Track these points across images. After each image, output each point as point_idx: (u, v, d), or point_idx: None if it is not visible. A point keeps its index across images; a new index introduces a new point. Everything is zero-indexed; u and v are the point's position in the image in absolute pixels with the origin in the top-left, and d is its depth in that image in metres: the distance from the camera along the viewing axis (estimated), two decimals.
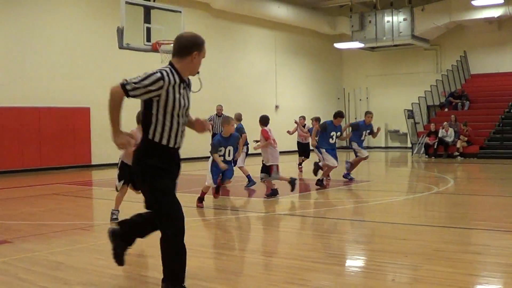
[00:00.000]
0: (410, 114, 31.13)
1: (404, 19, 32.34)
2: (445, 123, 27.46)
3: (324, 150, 15.19)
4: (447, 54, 35.08)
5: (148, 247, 7.70)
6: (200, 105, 27.37)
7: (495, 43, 33.68)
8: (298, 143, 20.30)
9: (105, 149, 23.31)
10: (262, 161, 12.94)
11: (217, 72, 28.87)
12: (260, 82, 32.19)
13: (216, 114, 19.05)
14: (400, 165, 26.52)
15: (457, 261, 6.95)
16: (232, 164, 12.60)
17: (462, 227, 8.69)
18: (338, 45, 35.34)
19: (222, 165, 11.29)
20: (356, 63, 38.37)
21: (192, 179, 17.11)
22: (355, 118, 37.58)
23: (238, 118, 16.29)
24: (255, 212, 11.30)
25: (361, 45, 33.92)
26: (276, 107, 31.71)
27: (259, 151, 13.18)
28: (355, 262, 7.39)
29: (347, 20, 34.14)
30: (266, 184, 12.96)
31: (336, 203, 13.08)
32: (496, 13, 31.05)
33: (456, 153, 26.31)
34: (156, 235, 5.37)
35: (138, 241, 5.93)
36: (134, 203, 8.59)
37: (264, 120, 13.35)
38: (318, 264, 6.91)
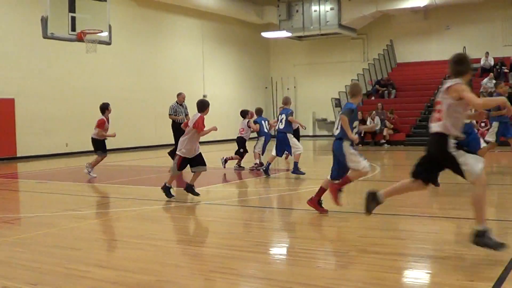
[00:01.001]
0: (337, 103, 31.42)
1: (331, 9, 32.61)
2: (373, 112, 27.81)
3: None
4: (374, 43, 35.54)
5: (76, 240, 7.51)
6: (131, 95, 27.35)
7: (421, 32, 34.27)
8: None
9: (31, 141, 22.78)
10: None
11: (145, 62, 28.60)
12: (188, 72, 31.93)
13: (177, 102, 18.70)
14: (327, 153, 26.51)
15: (382, 246, 6.99)
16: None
17: (387, 214, 8.72)
18: (266, 34, 35.37)
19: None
20: (284, 52, 38.47)
21: (124, 170, 16.87)
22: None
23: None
24: (182, 202, 11.14)
25: (289, 34, 34.03)
26: (204, 96, 31.47)
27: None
28: (281, 250, 7.35)
29: (275, 9, 34.20)
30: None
31: (263, 192, 13.05)
32: (422, 2, 31.58)
33: (383, 141, 26.68)
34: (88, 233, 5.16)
35: (68, 235, 5.72)
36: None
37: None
38: (244, 253, 6.85)
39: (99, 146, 15.88)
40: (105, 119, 15.71)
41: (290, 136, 14.85)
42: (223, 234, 8.26)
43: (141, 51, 28.49)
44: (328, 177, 9.22)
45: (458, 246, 6.94)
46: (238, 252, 6.88)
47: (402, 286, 5.51)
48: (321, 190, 9.23)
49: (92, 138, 15.95)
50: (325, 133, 36.48)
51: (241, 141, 17.50)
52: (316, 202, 9.21)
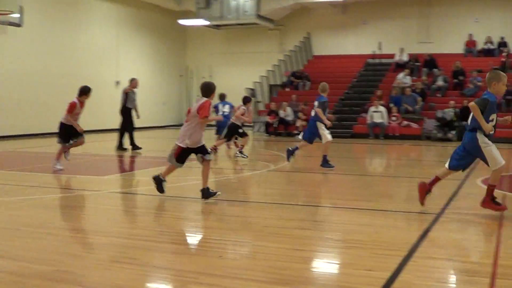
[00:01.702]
0: (252, 93, 31.43)
1: None
2: (284, 103, 27.94)
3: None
4: (291, 35, 35.62)
5: None
6: (41, 79, 26.58)
7: (338, 26, 34.57)
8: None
9: None
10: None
11: (58, 46, 27.77)
12: (101, 57, 31.16)
13: (131, 87, 18.45)
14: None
15: (285, 236, 6.96)
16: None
17: (294, 204, 8.74)
18: (183, 22, 35.04)
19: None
20: (201, 41, 38.16)
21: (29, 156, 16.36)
22: (197, 96, 37.51)
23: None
24: (87, 190, 10.87)
25: (206, 22, 33.82)
26: (117, 83, 30.88)
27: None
28: (184, 240, 7.25)
29: None
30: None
31: (172, 180, 12.86)
32: None
33: (296, 132, 26.84)
34: None
35: None
36: None
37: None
38: (148, 242, 6.69)
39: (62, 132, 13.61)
40: (76, 102, 13.59)
41: (320, 125, 14.07)
42: (126, 223, 8.09)
43: (54, 35, 27.68)
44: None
45: (362, 236, 6.98)
46: (141, 242, 6.71)
47: (302, 275, 5.47)
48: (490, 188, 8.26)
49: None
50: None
51: (234, 127, 17.24)
52: (490, 201, 8.21)
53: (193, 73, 38.36)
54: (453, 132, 24.81)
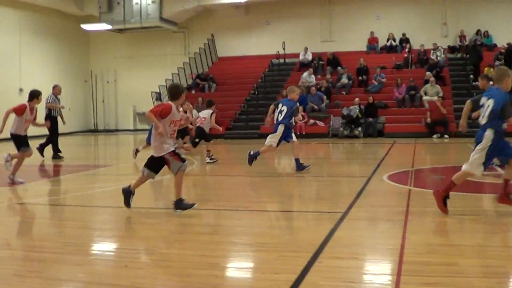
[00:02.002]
0: (157, 96, 31.12)
1: (153, 2, 32.38)
2: (185, 103, 27.71)
3: None
4: (195, 37, 35.52)
5: None
6: None
7: (241, 27, 34.67)
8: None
9: None
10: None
11: None
12: (3, 64, 30.26)
13: (53, 94, 17.75)
14: (147, 147, 26.37)
15: (192, 242, 6.86)
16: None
17: (200, 209, 8.56)
18: (85, 27, 34.46)
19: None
20: (104, 45, 37.61)
21: None
22: (103, 101, 36.92)
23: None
24: None
25: (109, 27, 33.40)
26: (20, 90, 30.01)
27: None
28: (90, 250, 6.96)
29: (95, 1, 33.34)
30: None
31: (77, 189, 12.50)
32: None
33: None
34: None
35: None
36: None
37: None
38: (52, 255, 6.41)
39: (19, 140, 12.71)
40: (27, 105, 12.69)
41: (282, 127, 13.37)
42: (32, 235, 7.75)
43: None
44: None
45: (268, 238, 6.90)
46: (45, 254, 6.43)
47: (208, 282, 5.33)
48: (506, 183, 8.14)
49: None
50: (146, 127, 35.97)
51: (201, 131, 16.74)
52: (507, 197, 8.15)
53: (98, 78, 37.70)
54: (359, 129, 25.22)
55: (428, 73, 28.01)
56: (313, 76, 29.54)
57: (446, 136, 24.63)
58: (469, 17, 32.30)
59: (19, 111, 12.53)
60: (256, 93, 29.92)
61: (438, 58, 30.13)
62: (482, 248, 6.35)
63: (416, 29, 32.50)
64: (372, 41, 32.96)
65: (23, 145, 12.57)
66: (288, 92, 13.72)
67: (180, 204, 8.40)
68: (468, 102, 8.99)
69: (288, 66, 32.69)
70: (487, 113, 7.83)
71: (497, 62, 29.27)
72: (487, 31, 32.10)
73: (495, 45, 31.46)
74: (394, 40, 32.68)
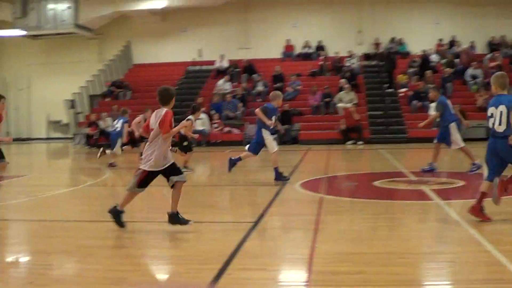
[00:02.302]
0: (71, 104, 30.57)
1: (68, 7, 31.79)
2: (104, 113, 27.40)
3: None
4: (111, 44, 35.04)
5: None
6: None
7: (158, 34, 34.40)
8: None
9: None
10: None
11: None
12: None
13: None
14: (60, 157, 25.91)
15: (99, 256, 6.72)
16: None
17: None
18: None
19: None
20: (18, 51, 36.66)
21: None
22: (15, 109, 35.95)
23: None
24: None
25: (23, 32, 32.57)
26: None
27: None
28: None
29: (9, 6, 32.46)
30: None
31: None
32: (160, 4, 31.75)
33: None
34: None
35: None
36: None
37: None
38: None
39: None
40: None
41: (266, 134, 13.16)
42: None
43: None
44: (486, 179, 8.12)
45: (178, 250, 6.88)
46: None
47: None
48: (483, 196, 8.08)
49: None
50: (59, 135, 35.33)
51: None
52: (480, 210, 8.04)
53: (11, 85, 36.69)
54: (275, 135, 25.30)
55: (342, 80, 28.44)
56: (228, 83, 29.57)
57: (360, 142, 25.06)
58: (384, 25, 33.01)
59: None
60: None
61: (353, 65, 30.63)
62: (390, 255, 6.44)
63: (332, 36, 33.00)
64: (288, 48, 33.26)
65: None
66: (272, 98, 13.39)
67: (175, 218, 7.87)
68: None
69: (204, 73, 32.64)
70: (504, 119, 7.79)
71: (410, 70, 30.06)
72: (401, 39, 32.89)
73: (409, 53, 32.27)
74: (310, 48, 33.06)
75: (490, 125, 7.99)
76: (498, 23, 32.98)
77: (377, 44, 32.75)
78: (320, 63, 31.45)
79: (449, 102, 14.43)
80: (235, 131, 26.24)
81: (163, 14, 34.17)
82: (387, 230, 7.95)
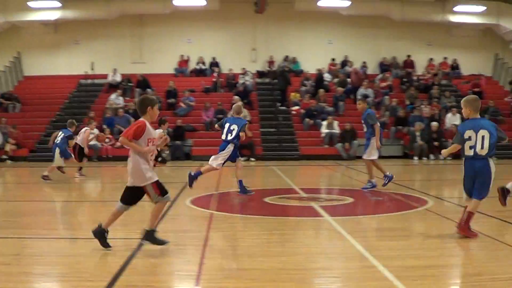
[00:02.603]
0: None
1: None
2: None
3: None
4: (0, 55, 33.88)
5: None
6: None
7: (50, 46, 33.56)
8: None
9: None
10: None
11: None
12: None
13: None
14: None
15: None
16: None
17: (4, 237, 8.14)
18: None
19: None
20: None
21: None
22: None
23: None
24: None
25: None
26: None
27: None
28: None
29: None
30: None
31: None
32: (53, 16, 31.08)
33: (5, 157, 25.55)
34: None
35: None
36: None
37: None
38: None
39: None
40: None
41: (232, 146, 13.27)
42: None
43: None
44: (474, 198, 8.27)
45: (63, 268, 6.73)
46: None
47: None
48: (469, 215, 8.29)
49: None
50: None
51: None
52: (468, 228, 8.29)
53: None
54: (167, 151, 25.23)
55: (236, 97, 28.68)
56: (121, 98, 29.24)
57: (252, 159, 25.31)
58: (278, 44, 33.56)
59: None
60: (62, 114, 29.05)
61: (247, 82, 30.93)
62: (278, 271, 6.53)
63: (226, 53, 33.25)
64: (182, 64, 33.24)
65: None
66: (235, 111, 13.59)
67: (151, 236, 7.53)
68: (456, 144, 8.60)
69: (96, 87, 32.14)
70: (485, 144, 8.07)
71: (303, 88, 30.65)
72: (295, 58, 33.52)
73: (302, 71, 32.90)
74: (204, 64, 33.16)
75: (467, 147, 8.23)
76: (389, 45, 34.32)
77: (271, 62, 33.24)
78: (214, 79, 31.60)
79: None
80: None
81: (55, 25, 33.39)
82: (277, 246, 8.07)
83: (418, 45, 34.92)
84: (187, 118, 28.47)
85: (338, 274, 6.61)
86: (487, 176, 8.17)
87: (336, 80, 32.06)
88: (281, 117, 29.36)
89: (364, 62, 33.75)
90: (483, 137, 8.09)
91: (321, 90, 30.14)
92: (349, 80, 31.84)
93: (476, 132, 8.13)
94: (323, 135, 27.37)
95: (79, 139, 17.66)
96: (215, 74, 31.95)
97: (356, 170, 20.86)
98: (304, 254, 7.41)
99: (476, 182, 8.26)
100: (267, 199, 12.39)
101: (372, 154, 14.38)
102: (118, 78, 31.43)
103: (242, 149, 25.15)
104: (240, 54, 33.24)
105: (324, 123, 27.67)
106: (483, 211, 10.72)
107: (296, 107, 29.60)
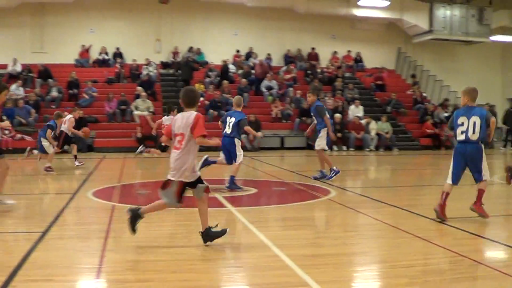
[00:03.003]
0: None
1: None
2: None
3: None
4: None
5: None
6: None
7: None
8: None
9: None
10: None
11: None
12: None
13: None
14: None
15: None
16: None
17: None
18: None
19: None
20: None
21: None
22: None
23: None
24: None
25: None
26: None
27: None
28: None
29: None
30: None
31: None
32: None
33: None
34: None
35: None
36: None
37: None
38: None
39: None
40: None
41: (238, 144, 12.72)
42: None
43: None
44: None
45: None
46: None
47: None
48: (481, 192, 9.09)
49: None
50: None
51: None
52: (479, 206, 9.03)
53: None
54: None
55: (139, 87, 28.36)
56: (21, 88, 28.38)
57: (156, 150, 25.08)
58: (182, 35, 33.37)
59: None
60: None
61: (150, 73, 30.63)
62: (181, 262, 6.53)
63: (130, 44, 32.74)
64: (84, 54, 32.56)
65: None
66: (235, 103, 13.29)
67: (209, 235, 7.32)
68: (448, 128, 9.47)
69: None
70: (477, 129, 8.81)
71: (207, 79, 30.63)
72: (199, 49, 33.41)
73: (207, 62, 32.87)
74: (107, 54, 32.61)
75: (459, 132, 9.00)
76: (294, 37, 34.76)
77: (175, 53, 33.01)
78: (116, 70, 31.13)
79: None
80: (27, 138, 25.19)
81: None
82: (181, 237, 8.04)
83: (322, 38, 35.54)
84: (90, 109, 27.94)
85: (241, 264, 6.64)
86: (479, 159, 8.95)
87: (240, 71, 32.20)
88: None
89: (269, 54, 34.04)
90: (474, 123, 8.83)
91: (225, 82, 30.21)
92: (253, 71, 32.05)
93: (469, 118, 8.88)
94: None
95: (64, 126, 17.57)
96: (118, 65, 31.43)
97: (260, 161, 21.03)
98: (208, 244, 7.39)
99: (471, 168, 9.06)
100: None
101: (322, 145, 14.62)
102: (19, 68, 30.43)
103: (146, 141, 25.00)
104: (144, 44, 32.82)
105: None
106: (384, 200, 11.04)
107: (201, 99, 29.52)
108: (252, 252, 7.16)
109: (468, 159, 8.97)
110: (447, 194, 9.02)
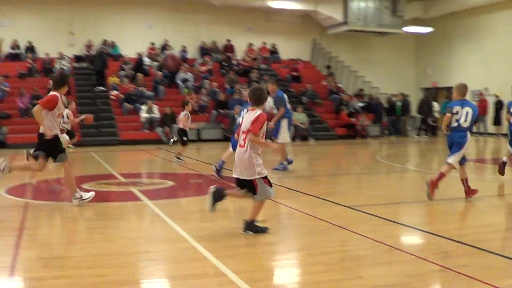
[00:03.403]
0: None
1: None
2: None
3: None
4: None
5: None
6: None
7: None
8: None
9: None
10: None
11: None
12: None
13: None
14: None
15: None
16: None
17: None
18: None
19: None
20: None
21: None
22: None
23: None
24: None
25: None
26: None
27: None
28: None
29: None
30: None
31: None
32: None
33: None
34: None
35: None
36: None
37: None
38: None
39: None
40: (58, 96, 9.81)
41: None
42: None
43: None
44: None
45: None
46: None
47: None
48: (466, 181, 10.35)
49: None
50: None
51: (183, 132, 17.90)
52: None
53: None
54: None
55: (51, 81, 27.77)
56: None
57: (71, 146, 24.66)
58: (96, 28, 32.84)
59: (50, 104, 9.77)
60: None
61: (64, 67, 30.05)
62: (97, 257, 6.44)
63: (42, 37, 32.00)
64: None
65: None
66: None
67: (251, 226, 7.47)
68: (448, 114, 10.20)
69: None
70: (468, 118, 10.01)
71: (122, 72, 30.27)
72: (113, 42, 32.98)
73: (121, 55, 32.50)
74: (19, 48, 31.78)
75: (453, 120, 10.10)
76: (210, 29, 34.73)
77: (89, 46, 32.47)
78: (28, 64, 30.37)
79: (285, 96, 15.01)
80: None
81: None
82: (95, 232, 7.93)
83: (238, 30, 35.66)
84: (2, 104, 27.24)
85: (158, 256, 6.62)
86: (461, 145, 10.08)
87: (155, 64, 31.99)
88: (99, 102, 28.83)
89: (184, 47, 33.91)
90: (467, 112, 10.03)
91: (140, 74, 29.94)
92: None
93: (462, 108, 10.06)
94: (142, 119, 27.25)
95: (67, 121, 17.78)
96: (29, 60, 30.64)
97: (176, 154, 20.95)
98: (124, 239, 7.35)
99: (451, 150, 10.22)
100: (85, 186, 12.10)
101: (284, 138, 14.66)
102: None
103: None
104: (56, 37, 32.14)
105: (144, 107, 27.53)
106: (301, 189, 11.19)
107: (115, 92, 29.17)
108: (169, 244, 7.15)
109: (454, 143, 10.14)
110: (442, 174, 10.14)
